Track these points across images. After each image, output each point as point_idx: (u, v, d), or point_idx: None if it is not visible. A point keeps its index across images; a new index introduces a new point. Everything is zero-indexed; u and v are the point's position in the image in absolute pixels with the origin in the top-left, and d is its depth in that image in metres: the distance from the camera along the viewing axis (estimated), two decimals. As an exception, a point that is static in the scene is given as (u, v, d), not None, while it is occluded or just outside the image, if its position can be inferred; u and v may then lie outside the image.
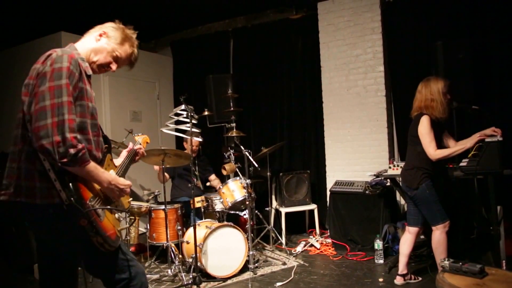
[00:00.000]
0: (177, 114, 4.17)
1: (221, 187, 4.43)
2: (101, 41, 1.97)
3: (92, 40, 1.98)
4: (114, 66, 2.03)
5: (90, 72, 1.93)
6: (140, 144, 2.40)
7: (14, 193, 1.74)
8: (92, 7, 4.63)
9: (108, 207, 1.87)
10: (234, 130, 4.95)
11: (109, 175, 1.87)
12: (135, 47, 2.07)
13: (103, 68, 2.01)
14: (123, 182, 1.93)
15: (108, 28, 2.00)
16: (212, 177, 5.32)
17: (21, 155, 1.76)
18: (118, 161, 2.23)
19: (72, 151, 1.65)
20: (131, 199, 2.17)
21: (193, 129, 3.95)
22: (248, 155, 4.52)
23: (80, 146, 1.69)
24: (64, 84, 1.70)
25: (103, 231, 1.76)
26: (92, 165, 1.76)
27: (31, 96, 1.72)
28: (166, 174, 4.78)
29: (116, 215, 1.97)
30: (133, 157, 2.29)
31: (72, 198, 1.68)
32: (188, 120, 3.90)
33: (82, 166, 1.71)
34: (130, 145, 2.35)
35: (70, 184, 1.70)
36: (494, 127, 3.24)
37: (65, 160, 1.64)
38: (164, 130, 4.44)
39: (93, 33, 2.00)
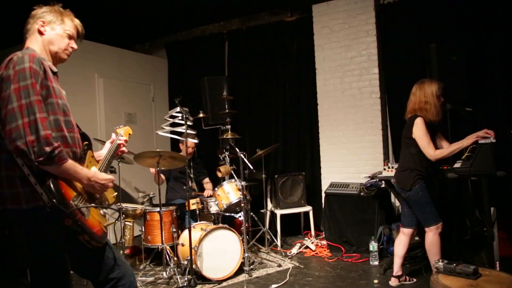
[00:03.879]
0: (172, 116, 4.17)
1: (216, 189, 4.43)
2: (46, 31, 1.94)
3: (38, 36, 1.93)
4: (74, 44, 2.03)
5: (55, 69, 1.92)
6: (122, 136, 2.37)
7: (0, 202, 1.75)
8: (86, 9, 4.63)
9: (92, 205, 1.87)
10: (229, 132, 4.96)
11: (88, 171, 1.86)
12: (73, 17, 2.05)
13: (67, 51, 2.00)
14: (103, 177, 1.92)
15: (43, 15, 1.95)
16: (206, 180, 5.31)
17: (0, 164, 1.76)
18: (101, 153, 2.21)
19: (47, 149, 1.64)
20: (115, 193, 2.16)
21: (189, 131, 3.95)
22: (243, 157, 4.52)
23: (56, 144, 1.68)
24: (30, 84, 1.68)
25: (89, 228, 1.77)
26: (70, 163, 1.75)
27: None
28: (161, 175, 4.77)
29: (102, 211, 1.97)
30: (116, 150, 2.26)
31: (54, 200, 1.67)
32: (183, 122, 3.90)
33: (59, 164, 1.70)
34: (113, 137, 2.32)
35: (51, 185, 1.69)
36: (487, 129, 3.27)
37: (41, 159, 1.63)
38: (159, 133, 4.44)
39: (33, 28, 1.93)
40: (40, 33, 1.93)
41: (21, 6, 4.78)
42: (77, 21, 2.05)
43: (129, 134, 2.50)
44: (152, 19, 5.94)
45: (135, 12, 5.47)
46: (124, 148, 2.31)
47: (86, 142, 2.02)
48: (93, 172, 1.89)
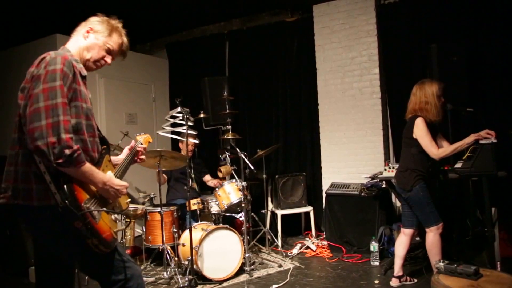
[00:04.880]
0: (173, 117, 4.17)
1: (217, 189, 4.43)
2: (90, 38, 1.97)
3: (81, 39, 1.97)
4: (109, 59, 2.05)
5: (85, 73, 1.93)
6: (142, 144, 2.37)
7: (12, 196, 1.75)
8: (87, 9, 4.61)
9: (104, 209, 1.86)
10: (230, 132, 4.96)
11: (104, 176, 1.86)
12: (123, 36, 2.07)
13: (98, 63, 2.02)
14: (118, 182, 1.92)
15: (94, 23, 1.99)
16: (207, 177, 5.30)
17: (17, 158, 1.77)
18: (119, 158, 2.22)
19: (67, 151, 1.65)
20: (129, 200, 2.16)
21: (189, 131, 3.95)
22: (244, 157, 4.52)
23: (75, 147, 1.69)
24: (58, 86, 1.70)
25: (98, 233, 1.76)
26: (87, 166, 1.76)
27: (26, 99, 1.72)
28: (164, 175, 4.77)
29: (113, 217, 1.96)
30: (134, 156, 2.26)
31: (66, 201, 1.68)
32: (184, 123, 3.91)
33: (77, 167, 1.71)
34: (132, 143, 2.32)
35: (65, 186, 1.70)
36: (488, 129, 3.27)
37: (60, 160, 1.64)
38: (160, 133, 4.44)
39: (80, 31, 1.99)
40: (84, 37, 1.97)
41: (21, 7, 4.80)
42: (125, 40, 2.08)
43: (149, 142, 2.51)
44: (153, 20, 5.94)
45: (136, 13, 5.47)
46: (143, 157, 2.31)
47: (104, 146, 2.03)
48: (109, 177, 1.89)
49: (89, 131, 1.88)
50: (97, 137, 1.97)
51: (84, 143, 1.83)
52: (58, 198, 1.68)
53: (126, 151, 2.27)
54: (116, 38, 2.03)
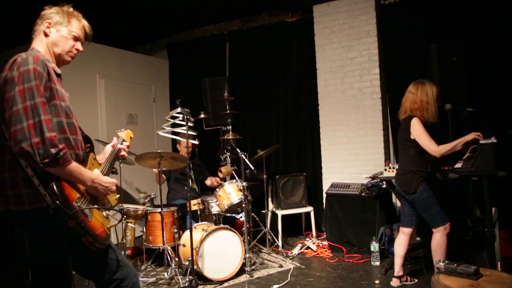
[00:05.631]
0: (173, 117, 4.17)
1: (217, 190, 4.43)
2: (52, 32, 1.93)
3: (43, 37, 1.93)
4: (79, 46, 2.02)
5: (58, 71, 1.92)
6: (124, 140, 2.37)
7: (3, 203, 1.75)
8: (86, 11, 4.61)
9: (95, 206, 1.87)
10: (230, 132, 4.96)
11: (92, 173, 1.87)
12: (82, 19, 2.04)
13: (71, 53, 1.99)
14: (107, 180, 1.93)
15: (50, 16, 1.94)
16: (207, 181, 5.26)
17: (4, 165, 1.75)
18: (102, 157, 2.21)
19: (53, 150, 1.65)
20: (118, 195, 2.17)
21: (189, 132, 3.95)
22: (244, 157, 4.52)
23: (60, 145, 1.69)
24: (34, 86, 1.68)
25: (92, 230, 1.77)
26: (74, 165, 1.76)
27: (3, 104, 1.70)
28: (163, 175, 4.77)
29: (104, 213, 1.97)
30: (117, 154, 2.25)
31: (57, 201, 1.67)
32: (183, 123, 3.91)
33: (64, 166, 1.71)
34: (114, 140, 2.32)
35: (55, 187, 1.69)
36: (488, 128, 3.27)
37: (46, 160, 1.64)
38: (160, 133, 4.44)
39: (40, 29, 1.94)
40: (45, 34, 1.93)
41: (24, 7, 4.80)
42: (85, 23, 2.04)
43: (131, 137, 2.51)
44: (153, 20, 5.95)
45: (136, 13, 5.47)
46: (124, 153, 2.31)
47: (88, 145, 2.03)
48: (97, 174, 1.90)
49: (71, 129, 1.87)
50: (80, 135, 1.96)
51: (67, 142, 1.82)
52: (49, 200, 1.68)
53: (109, 148, 2.26)
54: (76, 23, 1.99)
